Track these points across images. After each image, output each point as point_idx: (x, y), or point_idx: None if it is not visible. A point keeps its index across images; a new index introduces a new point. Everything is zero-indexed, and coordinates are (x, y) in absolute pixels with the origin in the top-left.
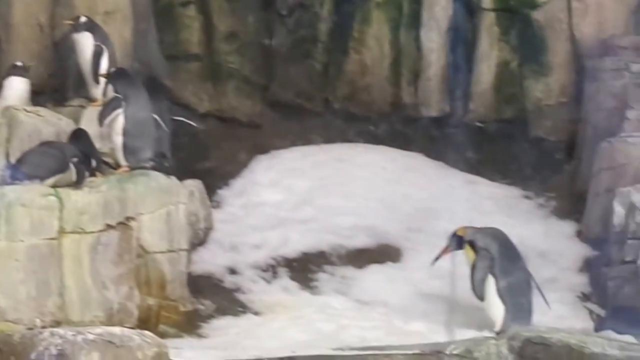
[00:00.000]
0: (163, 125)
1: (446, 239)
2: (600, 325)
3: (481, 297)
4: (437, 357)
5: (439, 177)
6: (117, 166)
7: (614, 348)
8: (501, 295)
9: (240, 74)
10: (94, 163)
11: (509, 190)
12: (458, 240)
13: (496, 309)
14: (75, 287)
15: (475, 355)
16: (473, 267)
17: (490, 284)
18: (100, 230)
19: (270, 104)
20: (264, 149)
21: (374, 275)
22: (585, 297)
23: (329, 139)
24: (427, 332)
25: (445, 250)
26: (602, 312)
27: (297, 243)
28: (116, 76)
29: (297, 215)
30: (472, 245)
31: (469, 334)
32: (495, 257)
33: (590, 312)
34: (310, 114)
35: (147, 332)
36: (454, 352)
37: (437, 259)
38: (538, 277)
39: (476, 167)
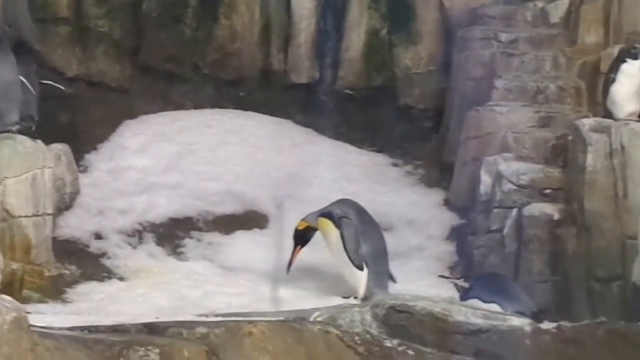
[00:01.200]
0: (30, 88)
1: (292, 239)
2: (465, 294)
3: (360, 266)
4: (300, 324)
5: (308, 144)
6: None
7: (478, 317)
8: (364, 261)
9: (110, 38)
10: None
11: (378, 157)
12: (303, 235)
13: (359, 275)
14: None
15: (339, 322)
16: (342, 238)
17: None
18: None
19: (140, 68)
20: (132, 114)
21: (241, 242)
22: (451, 269)
23: (198, 105)
24: (293, 298)
25: (296, 252)
26: (464, 284)
27: (164, 208)
28: None
29: (164, 180)
30: (330, 217)
31: (335, 301)
32: (354, 220)
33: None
34: (179, 79)
35: (5, 297)
36: (318, 319)
37: (290, 264)
38: (405, 245)
39: (345, 135)
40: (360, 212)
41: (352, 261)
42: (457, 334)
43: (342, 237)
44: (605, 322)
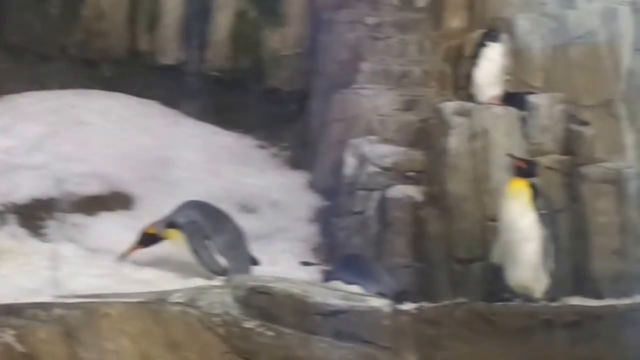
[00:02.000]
0: None
1: (138, 237)
2: (328, 275)
3: (219, 272)
4: (159, 306)
5: (175, 126)
6: None
7: (338, 298)
8: (220, 251)
9: None
10: None
11: (244, 139)
12: (149, 240)
13: (218, 263)
14: None
15: (200, 304)
16: (194, 251)
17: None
18: None
19: (4, 47)
20: None
21: (105, 223)
22: (315, 251)
23: (64, 85)
24: (156, 280)
25: (134, 248)
26: (326, 267)
27: (27, 189)
28: None
29: (28, 161)
30: (175, 226)
31: (196, 282)
32: (201, 221)
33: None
34: (45, 59)
35: None
36: (178, 300)
37: (124, 255)
38: (270, 227)
39: (212, 116)
40: (205, 207)
41: (210, 270)
42: (317, 315)
43: (194, 251)
44: (465, 302)
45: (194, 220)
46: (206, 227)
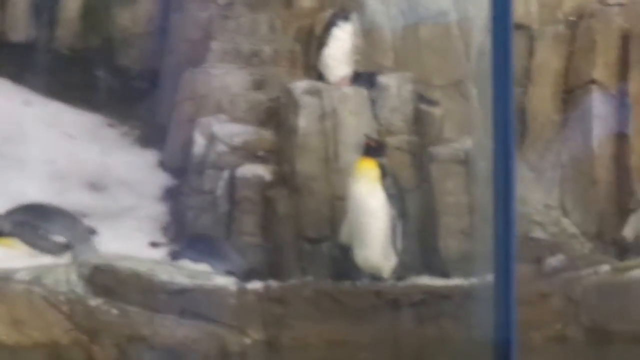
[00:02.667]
0: None
1: None
2: (176, 254)
3: (62, 250)
4: (3, 283)
5: (24, 104)
6: None
7: (183, 276)
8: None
9: None
10: None
11: (94, 117)
12: None
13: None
14: None
15: (45, 282)
16: (32, 245)
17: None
18: None
19: None
20: None
21: None
22: (164, 230)
23: None
24: (2, 258)
25: None
26: (175, 247)
27: None
28: None
29: None
30: (3, 234)
31: (43, 260)
32: (29, 219)
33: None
34: None
35: None
36: (23, 278)
37: None
38: (119, 205)
39: (62, 94)
40: (30, 207)
41: (54, 254)
42: (162, 293)
43: (32, 245)
44: (312, 281)
45: (21, 221)
46: (35, 220)
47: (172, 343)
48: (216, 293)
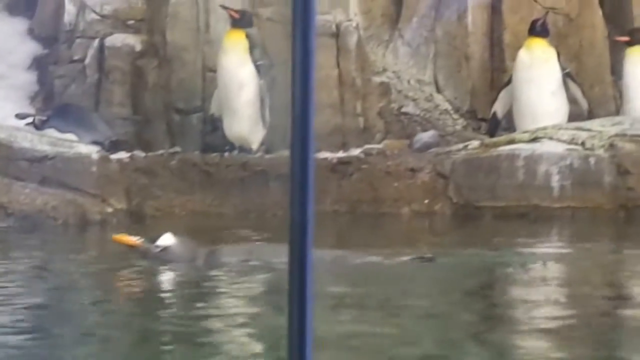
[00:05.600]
0: None
1: None
2: (43, 124)
3: None
4: None
5: None
6: None
7: (44, 144)
8: None
9: None
10: None
11: None
12: None
13: None
14: None
15: None
16: None
17: None
18: None
19: None
20: None
21: None
22: (31, 99)
23: None
24: None
25: None
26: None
27: None
28: None
29: None
30: None
31: None
32: None
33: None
34: None
35: None
36: None
37: None
38: None
39: None
40: None
41: None
42: (22, 160)
43: None
44: (179, 152)
45: None
46: None
47: (31, 210)
48: (78, 161)
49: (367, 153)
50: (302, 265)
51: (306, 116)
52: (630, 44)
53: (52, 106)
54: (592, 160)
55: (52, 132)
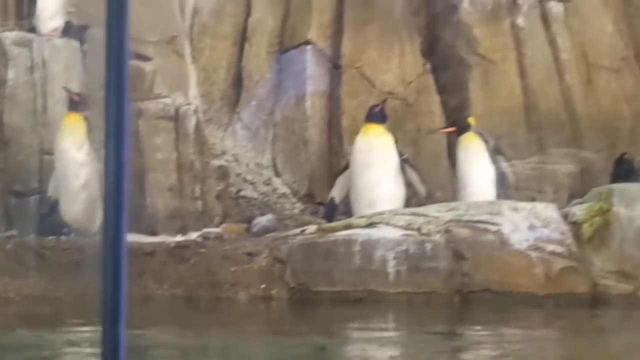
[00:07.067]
0: None
1: None
2: None
3: None
4: None
5: None
6: None
7: None
8: None
9: None
10: None
11: None
12: None
13: None
14: None
15: None
16: None
17: None
18: None
19: None
20: None
21: None
22: None
23: None
24: None
25: None
26: None
27: None
28: None
29: None
30: None
31: None
32: None
33: None
34: None
35: None
36: None
37: None
38: None
39: None
40: None
41: None
42: None
43: None
44: (15, 235)
45: None
46: None
47: None
48: None
49: (205, 237)
50: (115, 348)
51: (119, 195)
52: (459, 133)
53: None
54: (428, 245)
55: None
